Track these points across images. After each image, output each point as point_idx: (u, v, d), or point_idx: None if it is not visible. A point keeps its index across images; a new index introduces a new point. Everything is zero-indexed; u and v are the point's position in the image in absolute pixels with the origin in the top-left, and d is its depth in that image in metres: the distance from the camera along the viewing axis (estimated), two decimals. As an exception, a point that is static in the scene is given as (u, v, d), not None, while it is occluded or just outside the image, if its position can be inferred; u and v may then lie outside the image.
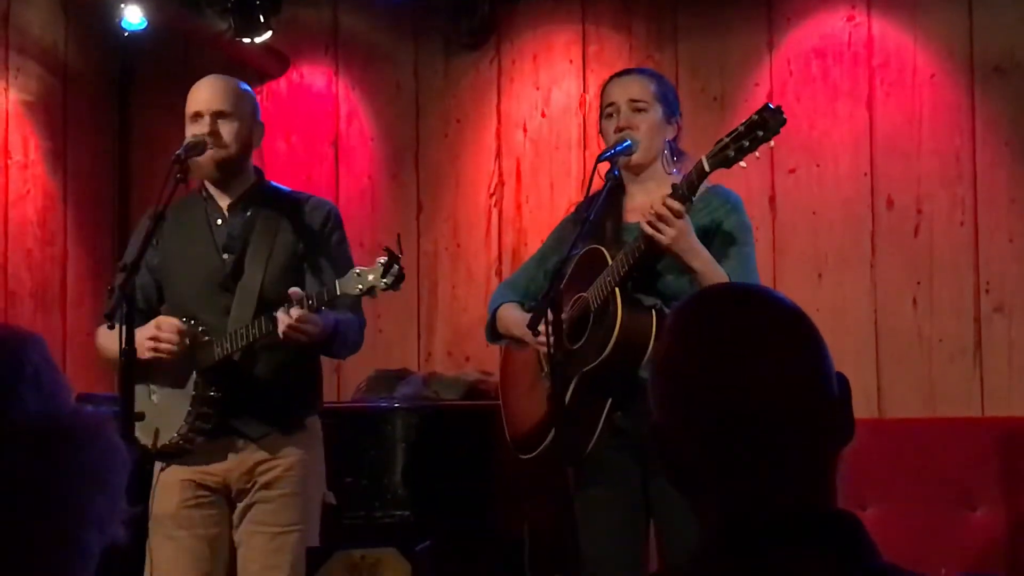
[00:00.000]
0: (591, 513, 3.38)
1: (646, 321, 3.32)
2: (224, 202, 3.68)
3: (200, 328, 3.55)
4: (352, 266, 3.64)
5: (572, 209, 3.79)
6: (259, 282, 3.57)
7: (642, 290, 3.41)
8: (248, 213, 3.66)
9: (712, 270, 3.30)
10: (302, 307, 3.40)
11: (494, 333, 3.77)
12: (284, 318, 3.40)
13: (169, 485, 3.55)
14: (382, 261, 3.40)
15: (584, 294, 3.44)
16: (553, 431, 3.42)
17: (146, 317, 3.58)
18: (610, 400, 3.40)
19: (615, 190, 3.53)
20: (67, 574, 1.21)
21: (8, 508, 1.19)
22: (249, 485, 3.56)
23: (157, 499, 3.56)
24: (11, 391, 1.22)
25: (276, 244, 3.62)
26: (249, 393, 3.56)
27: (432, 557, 4.61)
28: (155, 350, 3.47)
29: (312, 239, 3.65)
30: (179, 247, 3.63)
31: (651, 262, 3.39)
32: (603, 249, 3.43)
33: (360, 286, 3.40)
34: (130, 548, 1.30)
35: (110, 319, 3.24)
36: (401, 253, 3.42)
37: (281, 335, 3.41)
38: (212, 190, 3.69)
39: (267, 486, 3.55)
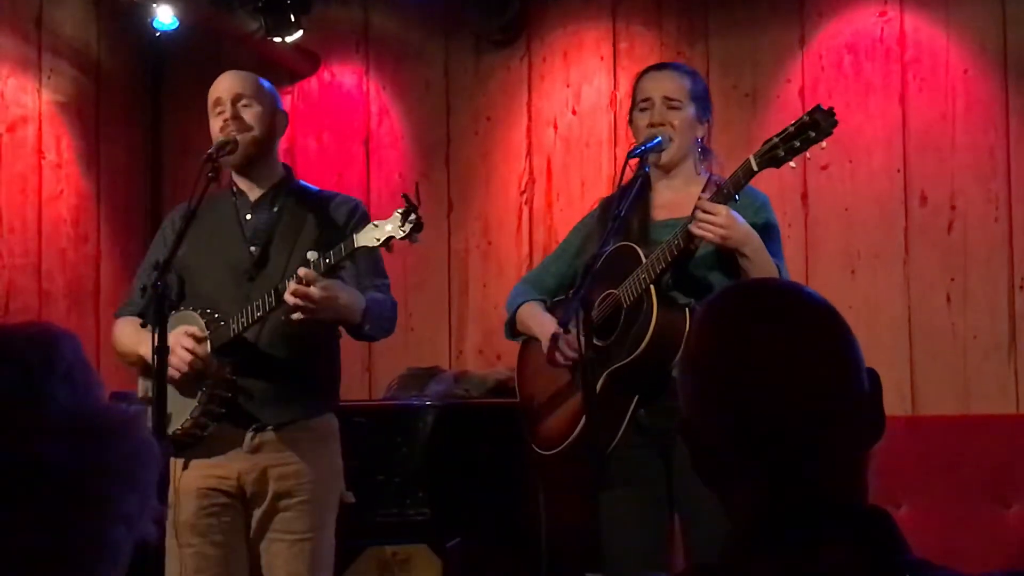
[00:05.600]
0: (614, 510, 3.38)
1: (680, 319, 3.30)
2: (253, 196, 3.69)
3: (216, 315, 3.52)
4: (379, 256, 3.62)
5: (596, 205, 3.78)
6: (281, 272, 3.52)
7: (676, 287, 3.40)
8: (275, 208, 3.67)
9: (764, 258, 3.29)
10: (316, 270, 3.31)
11: (513, 331, 3.76)
12: (290, 284, 3.34)
13: (187, 492, 3.52)
14: (400, 211, 3.31)
15: (614, 291, 3.43)
16: (580, 427, 3.41)
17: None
18: (636, 398, 3.39)
19: (642, 187, 3.53)
20: (96, 570, 1.22)
21: (37, 502, 1.19)
22: (264, 489, 3.54)
23: (175, 505, 3.54)
24: (43, 386, 1.23)
25: (301, 237, 3.60)
26: (264, 378, 3.53)
27: (463, 553, 4.62)
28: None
29: (338, 233, 3.62)
30: (205, 240, 3.62)
31: (685, 259, 3.38)
32: (634, 246, 3.42)
33: (377, 237, 3.31)
34: (149, 549, 1.30)
35: (142, 317, 3.26)
36: (419, 202, 3.31)
37: (289, 297, 3.33)
38: (242, 184, 3.70)
39: (285, 494, 3.53)
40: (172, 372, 3.39)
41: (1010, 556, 4.47)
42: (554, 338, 3.51)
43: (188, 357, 3.45)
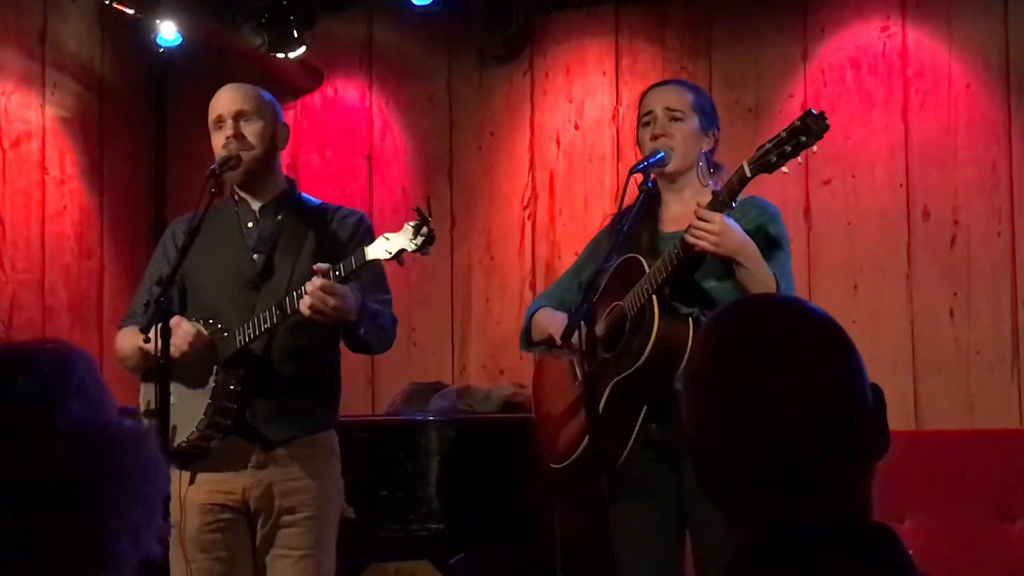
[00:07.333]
0: (625, 524, 3.38)
1: (682, 329, 3.31)
2: (255, 205, 3.69)
3: (219, 325, 3.52)
4: (382, 272, 3.62)
5: (607, 221, 3.79)
6: (286, 280, 3.53)
7: (680, 298, 3.40)
8: (279, 216, 3.67)
9: (760, 267, 3.29)
10: (327, 278, 3.31)
11: (528, 341, 3.76)
12: (308, 287, 3.33)
13: (191, 507, 3.52)
14: (411, 224, 3.31)
15: (620, 303, 3.44)
16: (586, 441, 3.41)
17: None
18: (644, 409, 3.39)
19: (651, 200, 3.54)
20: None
21: (44, 508, 1.21)
22: (269, 505, 3.54)
23: (181, 519, 3.53)
24: (56, 397, 1.27)
25: (305, 246, 3.61)
26: (270, 392, 3.53)
27: (466, 570, 4.62)
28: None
29: (342, 245, 3.62)
30: (207, 249, 3.60)
31: (689, 269, 3.38)
32: (640, 257, 3.43)
33: (389, 250, 3.31)
34: (152, 563, 1.31)
35: (145, 332, 3.26)
36: (431, 215, 3.31)
37: (306, 309, 3.33)
38: (243, 194, 3.70)
39: (289, 510, 3.53)
40: (174, 351, 3.37)
41: (1014, 571, 4.46)
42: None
43: (190, 336, 3.45)
